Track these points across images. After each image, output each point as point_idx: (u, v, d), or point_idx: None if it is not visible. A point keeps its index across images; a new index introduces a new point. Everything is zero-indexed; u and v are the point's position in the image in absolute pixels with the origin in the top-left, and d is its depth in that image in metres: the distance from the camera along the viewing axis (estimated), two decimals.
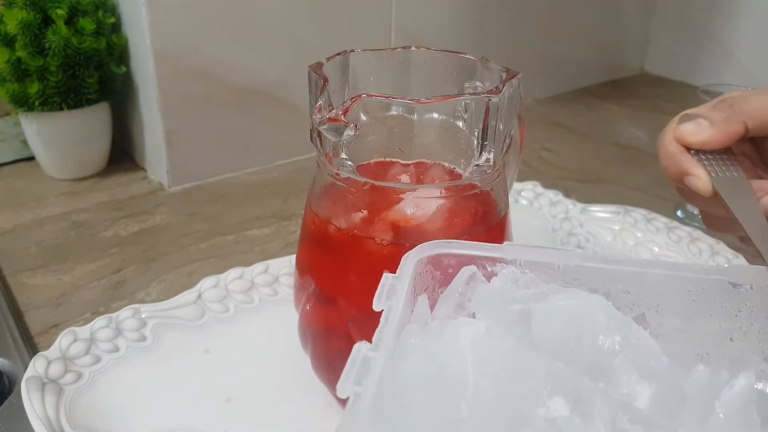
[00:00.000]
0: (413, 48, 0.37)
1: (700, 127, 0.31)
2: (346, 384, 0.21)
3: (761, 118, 0.31)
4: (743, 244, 0.32)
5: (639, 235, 0.56)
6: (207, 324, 0.45)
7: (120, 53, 0.69)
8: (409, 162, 0.36)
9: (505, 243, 0.29)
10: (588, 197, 0.63)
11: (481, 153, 0.32)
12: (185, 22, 0.64)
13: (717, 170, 0.30)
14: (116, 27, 0.69)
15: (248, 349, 0.43)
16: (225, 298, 0.47)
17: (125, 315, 0.43)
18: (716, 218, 0.33)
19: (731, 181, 0.30)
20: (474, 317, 0.27)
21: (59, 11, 0.62)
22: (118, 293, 0.52)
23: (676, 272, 0.27)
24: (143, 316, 0.44)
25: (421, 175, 0.37)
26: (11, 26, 0.61)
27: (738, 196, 0.29)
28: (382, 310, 0.24)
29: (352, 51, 0.36)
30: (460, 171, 0.35)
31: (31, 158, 0.73)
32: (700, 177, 0.31)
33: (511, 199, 0.39)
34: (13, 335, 0.46)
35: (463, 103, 0.33)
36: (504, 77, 0.33)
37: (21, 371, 0.41)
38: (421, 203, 0.33)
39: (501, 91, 0.31)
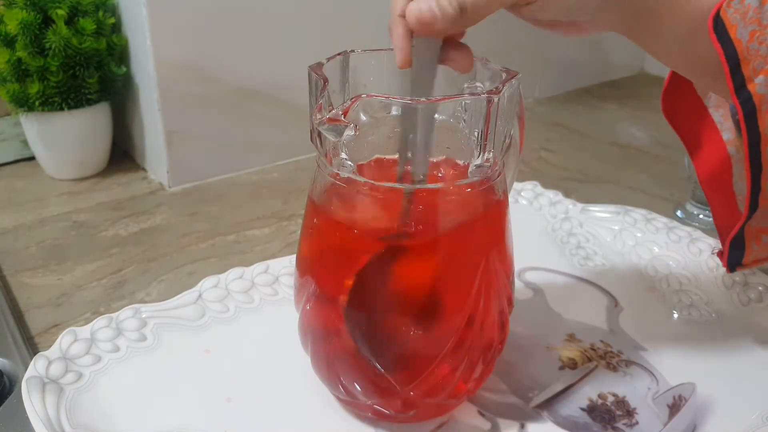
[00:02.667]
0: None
1: (430, 16, 0.31)
2: None
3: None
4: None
5: (639, 235, 0.56)
6: (207, 324, 0.45)
7: (120, 53, 0.70)
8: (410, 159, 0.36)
9: None
10: (588, 197, 0.63)
11: (481, 153, 0.32)
12: (185, 22, 0.64)
13: (419, 49, 0.33)
14: (116, 27, 0.69)
15: (248, 349, 0.44)
16: (225, 298, 0.47)
17: (126, 315, 0.43)
18: None
19: (424, 62, 0.33)
20: None
21: (59, 11, 0.62)
22: (119, 293, 0.52)
23: None
24: (144, 316, 0.44)
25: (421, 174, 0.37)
26: (11, 26, 0.61)
27: (421, 77, 0.33)
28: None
29: (352, 51, 0.36)
30: (463, 166, 0.35)
31: (32, 158, 0.73)
32: (401, 54, 0.33)
33: (511, 199, 0.39)
34: (13, 335, 0.46)
35: (463, 103, 0.33)
36: (504, 77, 0.33)
37: (21, 371, 0.41)
38: (421, 202, 0.33)
39: (501, 91, 0.31)
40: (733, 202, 0.41)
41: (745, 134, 0.33)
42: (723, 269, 0.50)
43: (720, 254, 0.40)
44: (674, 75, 0.43)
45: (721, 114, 0.43)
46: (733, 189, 0.42)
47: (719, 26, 0.32)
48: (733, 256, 0.39)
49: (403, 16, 0.32)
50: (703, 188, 0.45)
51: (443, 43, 0.33)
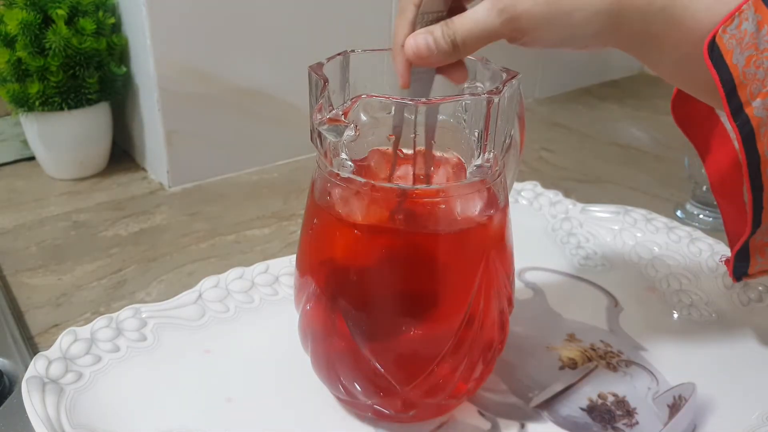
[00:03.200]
0: None
1: (426, 49, 0.34)
2: None
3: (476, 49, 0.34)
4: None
5: (639, 235, 0.56)
6: (207, 324, 0.45)
7: (120, 53, 0.70)
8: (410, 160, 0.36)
9: None
10: (588, 197, 0.63)
11: (481, 153, 0.32)
12: (185, 22, 0.64)
13: (418, 71, 0.35)
14: (116, 27, 0.69)
15: (248, 349, 0.44)
16: (225, 298, 0.47)
17: (126, 315, 0.43)
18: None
19: (422, 81, 0.36)
20: None
21: (59, 11, 0.62)
22: (119, 293, 0.52)
23: None
24: (144, 316, 0.44)
25: (421, 173, 0.37)
26: (11, 26, 0.61)
27: (418, 93, 0.36)
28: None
29: (352, 51, 0.36)
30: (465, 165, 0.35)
31: (32, 158, 0.73)
32: (402, 80, 0.36)
33: (511, 199, 0.39)
34: (13, 335, 0.46)
35: (463, 103, 0.33)
36: (504, 77, 0.33)
37: (21, 371, 0.41)
38: (421, 203, 0.33)
39: (501, 91, 0.31)
40: (743, 210, 0.41)
41: (744, 156, 0.33)
42: (723, 269, 0.50)
43: (727, 263, 0.40)
44: None
45: None
46: (743, 198, 0.42)
47: (715, 52, 0.32)
48: (739, 267, 0.39)
49: (403, 46, 0.34)
50: (714, 195, 0.44)
51: None
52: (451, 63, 0.35)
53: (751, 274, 0.39)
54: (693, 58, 0.33)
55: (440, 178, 0.36)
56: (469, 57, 0.36)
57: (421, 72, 0.35)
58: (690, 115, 0.44)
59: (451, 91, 0.36)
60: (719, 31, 0.31)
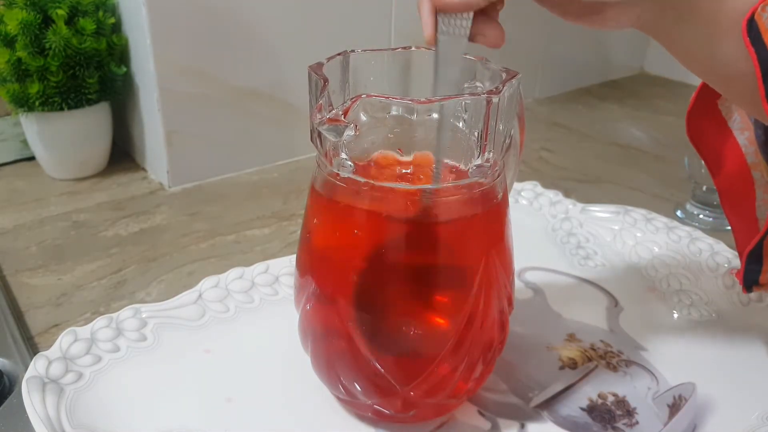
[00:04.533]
0: (413, 48, 0.37)
1: None
2: None
3: None
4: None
5: (639, 234, 0.56)
6: (207, 324, 0.45)
7: (120, 53, 0.70)
8: (410, 160, 0.36)
9: None
10: (588, 197, 0.63)
11: (481, 153, 0.32)
12: (185, 22, 0.64)
13: (447, 23, 0.33)
14: (116, 27, 0.69)
15: (248, 349, 0.44)
16: (225, 298, 0.47)
17: (126, 315, 0.43)
18: None
19: (451, 39, 0.34)
20: None
21: (59, 11, 0.62)
22: (119, 293, 0.52)
23: None
24: (144, 316, 0.44)
25: (421, 173, 0.37)
26: (11, 26, 0.61)
27: (448, 54, 0.34)
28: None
29: (352, 51, 0.36)
30: (463, 169, 0.35)
31: (32, 158, 0.73)
32: (426, 29, 0.34)
33: (511, 199, 0.39)
34: (13, 335, 0.46)
35: (463, 103, 0.33)
36: (504, 77, 0.33)
37: (21, 371, 0.41)
38: (421, 203, 0.33)
39: (501, 91, 0.31)
40: (754, 226, 0.40)
41: None
42: (723, 269, 0.50)
43: (737, 274, 0.39)
44: (700, 95, 0.42)
45: (746, 137, 0.42)
46: (755, 214, 0.40)
47: (753, 30, 0.31)
48: (750, 272, 0.38)
49: None
50: (724, 210, 0.44)
51: (474, 19, 0.34)
52: (485, 23, 0.33)
53: (763, 283, 0.38)
54: (725, 36, 0.31)
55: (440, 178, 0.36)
56: (468, 57, 0.36)
57: (451, 26, 0.33)
58: (703, 129, 0.43)
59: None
60: (758, 8, 0.30)
